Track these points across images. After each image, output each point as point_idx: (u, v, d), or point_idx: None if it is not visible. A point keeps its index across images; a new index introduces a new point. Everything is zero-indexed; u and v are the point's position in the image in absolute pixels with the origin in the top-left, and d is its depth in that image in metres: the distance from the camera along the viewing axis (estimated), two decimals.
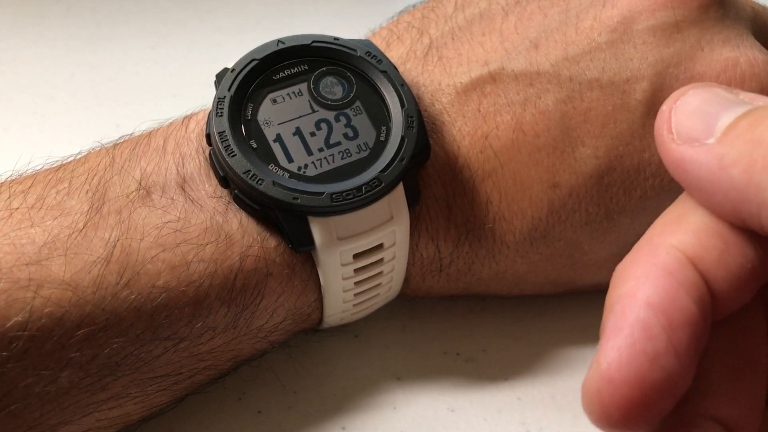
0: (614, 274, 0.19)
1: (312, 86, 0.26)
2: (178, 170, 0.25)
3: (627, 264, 0.19)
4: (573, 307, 0.32)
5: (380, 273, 0.27)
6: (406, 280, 0.29)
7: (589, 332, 0.31)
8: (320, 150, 0.25)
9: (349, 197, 0.24)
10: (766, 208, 0.17)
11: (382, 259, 0.26)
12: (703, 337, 0.18)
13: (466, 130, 0.27)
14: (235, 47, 0.26)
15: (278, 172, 0.24)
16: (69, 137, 0.41)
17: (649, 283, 0.18)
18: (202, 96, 0.26)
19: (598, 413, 0.17)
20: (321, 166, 0.25)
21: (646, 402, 0.17)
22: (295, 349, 0.30)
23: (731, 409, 0.19)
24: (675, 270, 0.18)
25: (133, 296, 0.22)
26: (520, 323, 0.32)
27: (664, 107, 0.19)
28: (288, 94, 0.26)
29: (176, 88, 0.47)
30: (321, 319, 0.28)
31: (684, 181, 0.19)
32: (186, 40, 0.51)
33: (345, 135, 0.25)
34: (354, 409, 0.29)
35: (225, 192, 0.25)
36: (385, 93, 0.26)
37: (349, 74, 0.26)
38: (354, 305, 0.28)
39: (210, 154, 0.25)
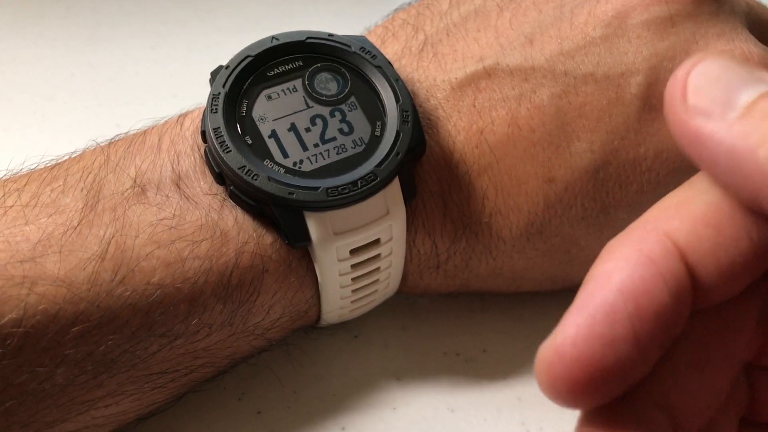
0: (602, 250, 0.19)
1: (307, 82, 0.26)
2: (173, 168, 0.25)
3: (615, 243, 0.18)
4: None
5: (377, 269, 0.27)
6: (404, 277, 0.29)
7: None
8: (315, 145, 0.25)
9: (344, 192, 0.24)
10: None
11: (379, 255, 0.26)
12: (674, 329, 0.17)
13: (461, 125, 0.27)
14: (235, 47, 0.26)
15: (273, 168, 0.24)
16: (69, 137, 0.40)
17: (629, 268, 0.17)
18: (202, 96, 0.26)
19: (545, 384, 0.17)
20: (316, 162, 0.25)
21: (593, 383, 0.17)
22: (294, 348, 0.30)
23: (683, 400, 0.18)
24: (659, 258, 0.17)
25: (128, 293, 0.22)
26: (519, 323, 0.32)
27: (680, 73, 0.18)
28: (283, 90, 0.26)
29: (176, 88, 0.47)
30: (319, 316, 0.28)
31: (699, 156, 0.18)
32: (186, 40, 0.51)
33: (340, 130, 0.25)
34: (353, 409, 0.28)
35: (220, 189, 0.25)
36: (379, 88, 0.26)
37: (343, 70, 0.26)
38: (351, 302, 0.28)
39: (205, 151, 0.25)
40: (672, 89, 0.18)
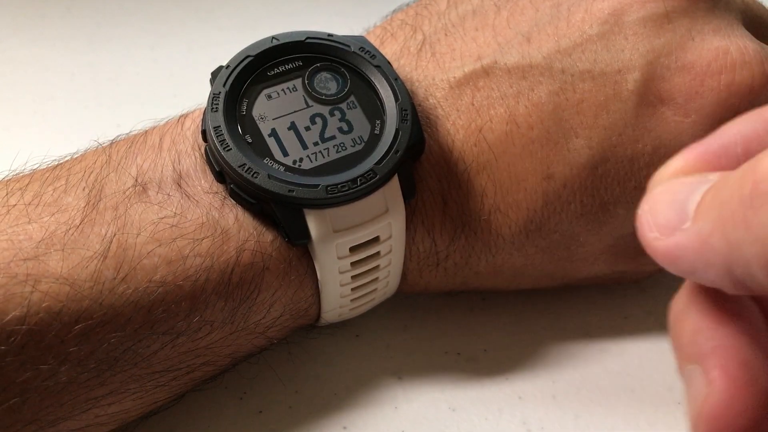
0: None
1: (306, 82, 0.26)
2: (174, 167, 0.25)
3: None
4: (574, 306, 0.33)
5: (377, 267, 0.27)
6: (404, 275, 0.29)
7: (591, 331, 0.32)
8: (315, 144, 0.25)
9: (344, 189, 0.24)
10: (753, 262, 0.17)
11: (378, 253, 0.26)
12: None
13: (460, 123, 0.27)
14: (235, 47, 0.26)
15: (274, 166, 0.24)
16: (69, 137, 0.41)
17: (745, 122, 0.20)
18: (202, 96, 0.26)
19: None
20: (316, 160, 0.25)
21: None
22: (295, 348, 0.30)
23: None
24: None
25: (130, 291, 0.22)
26: (521, 322, 0.32)
27: (639, 211, 0.20)
28: (283, 89, 0.26)
29: (176, 88, 0.47)
30: (319, 315, 0.28)
31: (679, 270, 0.19)
32: (186, 40, 0.52)
33: (340, 129, 0.25)
34: (355, 408, 0.29)
35: (221, 188, 0.25)
36: (379, 87, 0.26)
37: (343, 69, 0.27)
38: (351, 300, 0.28)
39: (206, 149, 0.25)
40: (640, 226, 0.20)
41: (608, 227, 0.28)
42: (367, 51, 0.27)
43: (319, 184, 0.24)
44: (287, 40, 0.26)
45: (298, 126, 0.25)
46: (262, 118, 0.25)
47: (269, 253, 0.25)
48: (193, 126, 0.26)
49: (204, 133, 0.25)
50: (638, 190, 0.28)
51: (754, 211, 0.17)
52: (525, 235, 0.28)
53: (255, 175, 0.24)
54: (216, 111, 0.25)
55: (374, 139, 0.26)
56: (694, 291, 0.20)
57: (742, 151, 0.19)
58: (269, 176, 0.24)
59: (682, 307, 0.21)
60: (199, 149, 0.26)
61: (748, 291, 0.18)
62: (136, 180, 0.25)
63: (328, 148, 0.25)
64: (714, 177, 0.19)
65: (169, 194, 0.24)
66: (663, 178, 0.21)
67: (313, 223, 0.24)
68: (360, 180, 0.24)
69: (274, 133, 0.25)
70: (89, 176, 0.25)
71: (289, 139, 0.25)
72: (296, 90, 0.26)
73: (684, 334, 0.21)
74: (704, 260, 0.18)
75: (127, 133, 0.27)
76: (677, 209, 0.19)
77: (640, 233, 0.20)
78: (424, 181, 0.27)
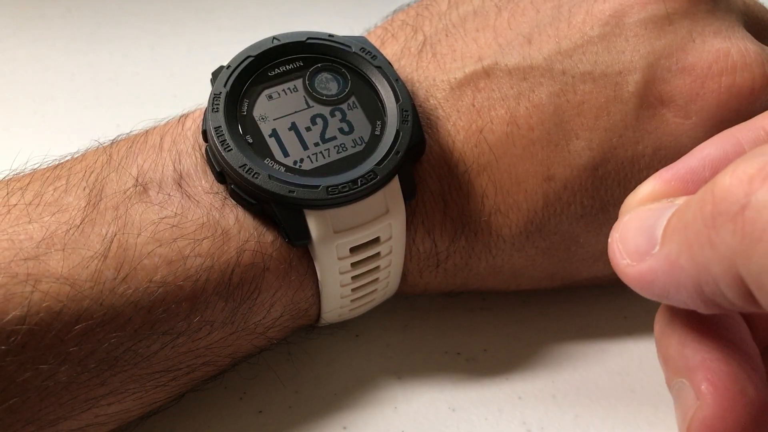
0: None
1: (307, 82, 0.26)
2: (174, 167, 0.25)
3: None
4: (574, 306, 0.33)
5: (377, 267, 0.27)
6: (404, 276, 0.29)
7: (591, 332, 0.31)
8: (316, 144, 0.25)
9: (344, 190, 0.24)
10: (720, 281, 0.17)
11: (378, 253, 0.26)
12: None
13: (460, 124, 0.27)
14: (235, 47, 0.26)
15: (274, 166, 0.24)
16: (69, 137, 0.41)
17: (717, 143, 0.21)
18: (202, 96, 0.26)
19: None
20: (317, 160, 0.25)
21: None
22: (295, 348, 0.30)
23: None
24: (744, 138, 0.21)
25: (130, 291, 0.22)
26: (521, 323, 0.32)
27: (610, 239, 0.21)
28: (283, 90, 0.26)
29: (176, 88, 0.47)
30: (319, 315, 0.28)
31: (653, 294, 0.20)
32: (186, 40, 0.52)
33: (340, 130, 0.26)
34: (355, 408, 0.28)
35: (221, 188, 0.25)
36: (379, 88, 0.26)
37: (344, 70, 0.27)
38: (351, 301, 0.28)
39: (206, 150, 0.25)
40: (611, 254, 0.21)
41: (608, 228, 0.28)
42: (368, 51, 0.27)
43: (319, 185, 0.24)
44: (288, 41, 0.26)
45: (299, 126, 0.25)
46: (262, 119, 0.25)
47: (270, 253, 0.25)
48: (194, 126, 0.26)
49: (204, 133, 0.25)
50: None
51: (716, 230, 0.17)
52: (525, 236, 0.28)
53: (255, 176, 0.24)
54: (217, 111, 0.25)
55: (375, 140, 0.26)
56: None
57: (710, 174, 0.20)
58: (270, 177, 0.24)
59: (667, 321, 0.21)
60: (200, 149, 0.26)
61: (719, 309, 0.19)
62: (137, 180, 0.25)
63: (328, 149, 0.25)
64: (680, 201, 0.20)
65: (169, 194, 0.24)
66: (632, 205, 0.21)
67: (314, 223, 0.24)
68: (360, 181, 0.24)
69: (274, 134, 0.25)
70: (90, 176, 0.25)
71: (290, 140, 0.25)
72: (297, 90, 0.26)
73: (670, 349, 0.21)
74: (675, 282, 0.19)
75: (127, 133, 0.27)
76: (646, 235, 0.20)
77: (613, 261, 0.21)
78: (425, 182, 0.27)
